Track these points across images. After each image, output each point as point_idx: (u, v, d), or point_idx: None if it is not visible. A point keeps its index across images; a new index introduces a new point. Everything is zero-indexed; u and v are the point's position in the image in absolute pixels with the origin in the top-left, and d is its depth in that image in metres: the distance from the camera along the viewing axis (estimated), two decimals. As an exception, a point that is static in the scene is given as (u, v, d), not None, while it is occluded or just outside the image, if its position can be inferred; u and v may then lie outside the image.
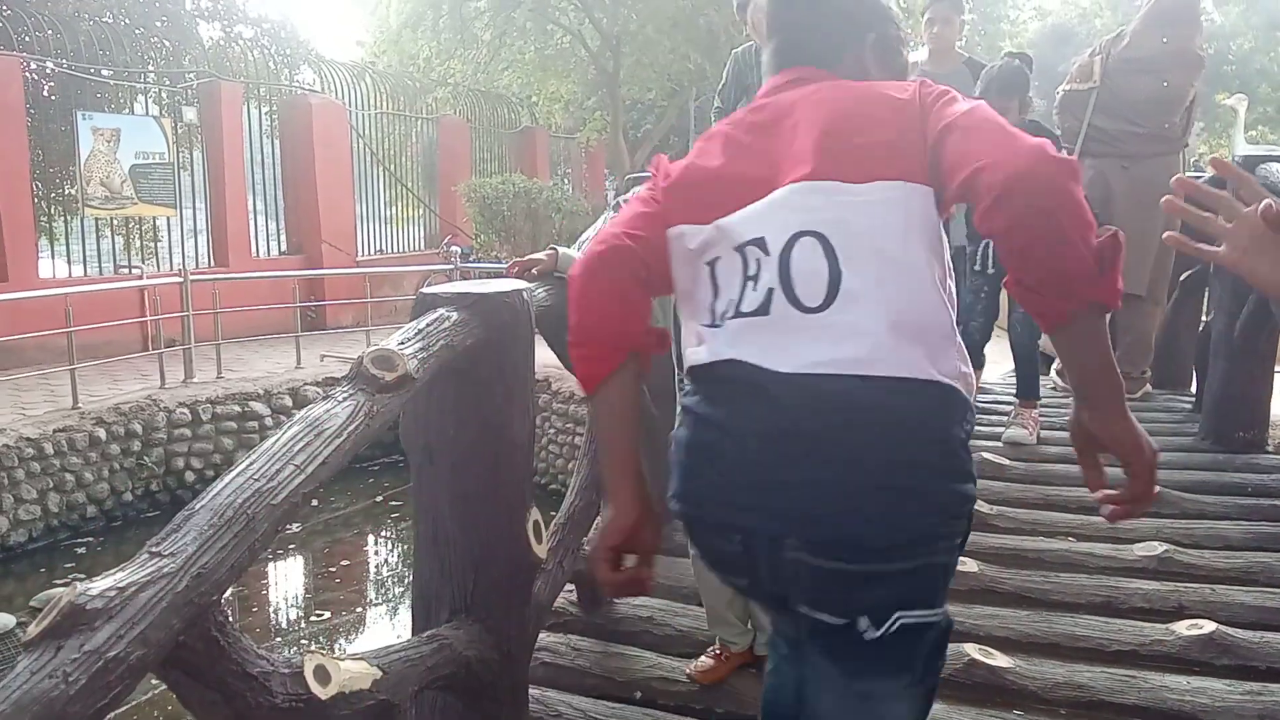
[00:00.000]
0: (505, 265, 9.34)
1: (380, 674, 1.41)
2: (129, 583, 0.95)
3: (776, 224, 1.20)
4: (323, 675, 1.28)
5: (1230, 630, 2.34)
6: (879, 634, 1.16)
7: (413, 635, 1.76)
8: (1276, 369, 3.92)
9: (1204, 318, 4.72)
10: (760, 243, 1.20)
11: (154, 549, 1.02)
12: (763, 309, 1.18)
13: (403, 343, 1.50)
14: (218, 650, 1.09)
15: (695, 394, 1.28)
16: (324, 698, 1.26)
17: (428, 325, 1.59)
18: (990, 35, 19.41)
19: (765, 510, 1.15)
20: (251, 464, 1.17)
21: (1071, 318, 1.07)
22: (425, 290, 1.75)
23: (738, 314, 1.21)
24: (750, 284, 1.20)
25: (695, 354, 1.27)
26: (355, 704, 1.34)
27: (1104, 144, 4.61)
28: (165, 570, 0.99)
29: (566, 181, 15.70)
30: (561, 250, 2.11)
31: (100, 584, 0.94)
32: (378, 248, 12.57)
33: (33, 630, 0.89)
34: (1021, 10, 21.95)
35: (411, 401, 1.52)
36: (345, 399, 1.35)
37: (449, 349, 1.58)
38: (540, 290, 1.97)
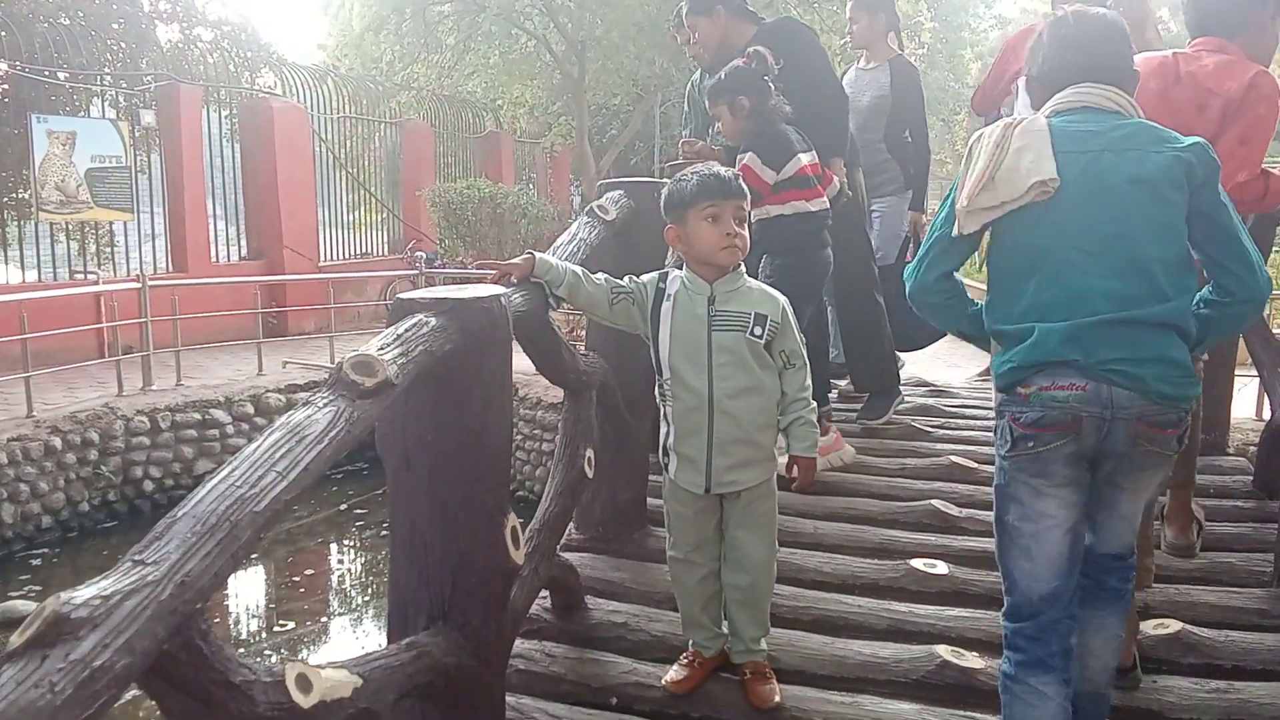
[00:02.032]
0: (473, 270, 9.21)
1: (360, 682, 1.40)
2: (113, 591, 0.94)
3: None
4: (304, 684, 1.26)
5: (1195, 630, 2.39)
6: None
7: (389, 642, 1.74)
8: (1236, 373, 4.01)
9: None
10: None
11: (137, 557, 1.00)
12: None
13: (382, 348, 1.49)
14: (201, 659, 1.08)
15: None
16: (305, 706, 1.25)
17: (406, 331, 1.58)
18: (952, 44, 19.70)
19: None
20: (234, 470, 1.15)
21: None
22: (402, 295, 1.74)
23: None
24: None
25: None
26: (336, 712, 1.32)
27: None
28: (149, 578, 0.97)
29: (532, 186, 15.67)
30: (538, 255, 2.11)
31: (85, 593, 0.92)
32: (341, 253, 12.45)
33: (16, 640, 0.87)
34: (982, 19, 22.30)
35: (388, 407, 1.51)
36: (326, 405, 1.34)
37: (428, 354, 1.57)
38: (517, 296, 1.97)
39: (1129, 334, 1.71)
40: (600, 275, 2.18)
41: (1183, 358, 1.74)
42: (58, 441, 6.42)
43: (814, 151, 3.35)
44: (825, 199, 3.34)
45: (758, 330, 2.06)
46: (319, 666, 1.33)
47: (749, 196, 2.13)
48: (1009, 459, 1.81)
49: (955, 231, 1.83)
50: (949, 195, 1.88)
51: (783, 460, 2.17)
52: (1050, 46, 1.96)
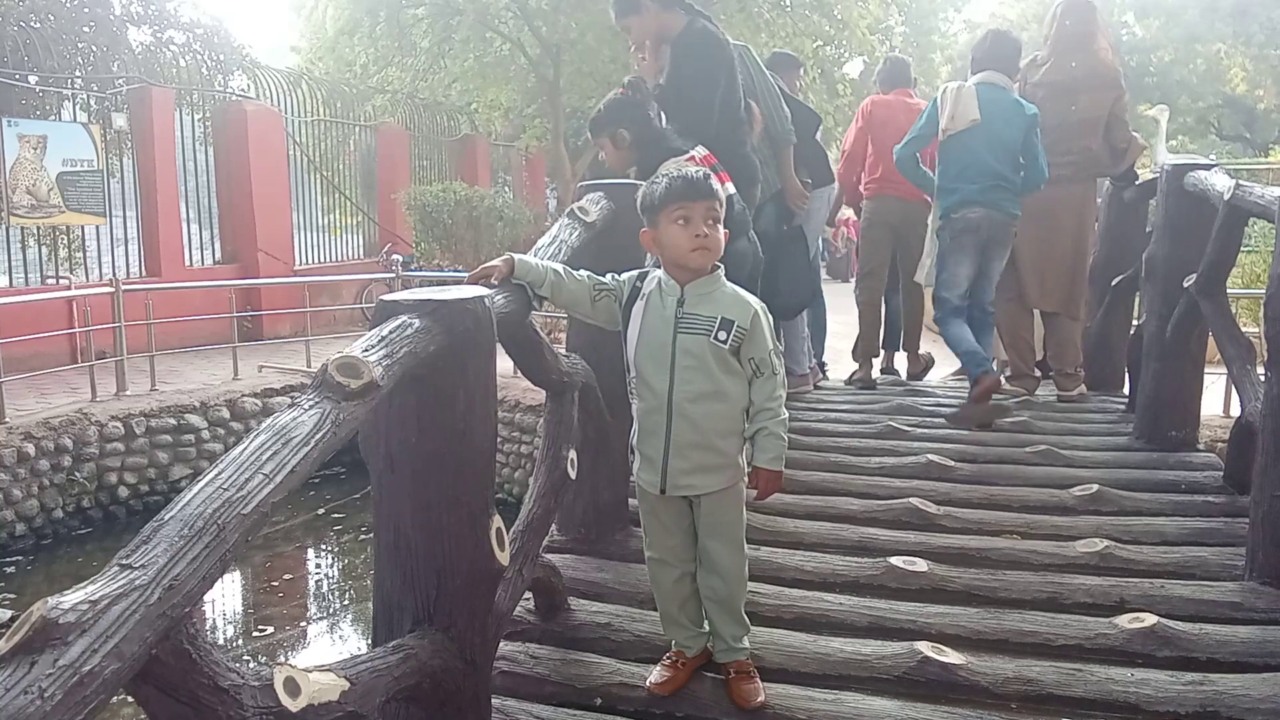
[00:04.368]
0: (449, 273, 9.12)
1: (348, 685, 1.40)
2: (101, 596, 0.93)
3: None
4: (292, 687, 1.26)
5: (1170, 623, 2.42)
6: None
7: (374, 645, 1.74)
8: (1206, 370, 4.06)
9: (1135, 321, 4.86)
10: None
11: (124, 561, 1.00)
12: None
13: (367, 350, 1.49)
14: (189, 663, 1.07)
15: None
16: (294, 710, 1.25)
17: (391, 332, 1.58)
18: (922, 47, 19.86)
19: None
20: (220, 473, 1.15)
21: None
22: (386, 297, 1.73)
23: None
24: None
25: None
26: (324, 715, 1.32)
27: None
28: (137, 583, 0.97)
29: (507, 189, 15.64)
30: (517, 257, 2.11)
31: (72, 598, 0.91)
32: (316, 257, 12.37)
33: (4, 646, 0.87)
34: (952, 23, 22.48)
35: (372, 409, 1.50)
36: (311, 407, 1.33)
37: (412, 356, 1.56)
38: (499, 296, 1.97)
39: (998, 190, 4.28)
40: (582, 272, 2.17)
41: (1014, 198, 4.33)
42: (31, 448, 6.35)
43: (701, 145, 3.30)
44: (732, 186, 3.31)
45: (722, 335, 2.02)
46: (307, 670, 1.33)
47: (722, 197, 2.12)
48: (947, 240, 4.40)
49: (933, 133, 4.43)
50: (926, 114, 4.48)
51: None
52: (989, 47, 4.45)
